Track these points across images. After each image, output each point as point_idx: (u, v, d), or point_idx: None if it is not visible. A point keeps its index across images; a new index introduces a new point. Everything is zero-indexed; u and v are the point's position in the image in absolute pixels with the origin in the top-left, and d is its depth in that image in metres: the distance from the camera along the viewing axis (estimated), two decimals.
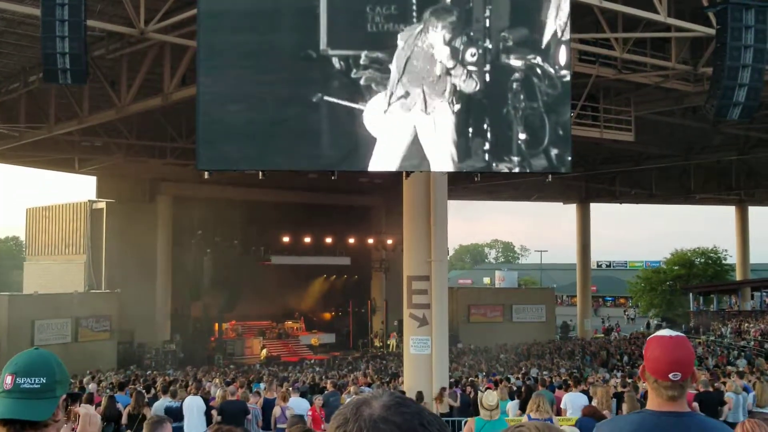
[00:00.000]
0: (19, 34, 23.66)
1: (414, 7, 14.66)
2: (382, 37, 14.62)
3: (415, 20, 14.67)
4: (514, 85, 15.13)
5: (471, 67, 14.93)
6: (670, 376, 2.92)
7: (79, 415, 2.57)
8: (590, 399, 13.17)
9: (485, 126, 15.08)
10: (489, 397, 8.95)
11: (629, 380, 19.36)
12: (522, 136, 15.15)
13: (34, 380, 2.36)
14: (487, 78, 15.05)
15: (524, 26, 15.28)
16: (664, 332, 3.07)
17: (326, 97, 14.55)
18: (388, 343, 44.64)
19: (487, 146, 15.06)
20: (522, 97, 15.15)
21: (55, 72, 15.33)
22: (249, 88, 14.70)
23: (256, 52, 14.69)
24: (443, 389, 17.44)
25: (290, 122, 14.55)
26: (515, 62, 15.15)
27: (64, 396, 2.45)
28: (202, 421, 13.13)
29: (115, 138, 33.39)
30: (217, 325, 42.18)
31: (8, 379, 2.36)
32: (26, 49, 24.86)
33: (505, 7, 15.19)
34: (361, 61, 14.53)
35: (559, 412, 13.20)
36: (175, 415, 13.11)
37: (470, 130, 15.02)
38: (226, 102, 14.64)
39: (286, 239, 42.90)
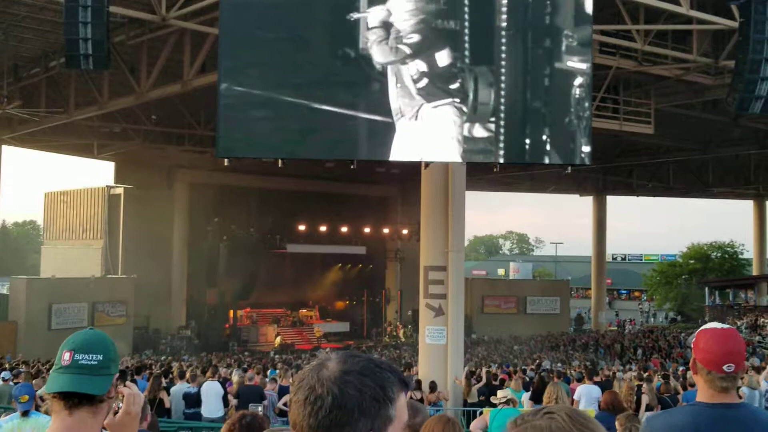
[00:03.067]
0: (40, 20, 23.76)
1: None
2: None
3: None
4: (546, 81, 15.15)
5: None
6: (725, 367, 2.93)
7: (123, 395, 2.63)
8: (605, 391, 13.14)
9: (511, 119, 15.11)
10: (501, 392, 9.02)
11: (644, 373, 19.37)
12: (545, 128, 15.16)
13: (92, 357, 2.43)
14: (520, 73, 15.09)
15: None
16: (715, 324, 3.08)
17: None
18: (394, 334, 44.78)
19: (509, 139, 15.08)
20: (547, 88, 15.17)
21: (77, 57, 15.41)
22: (269, 75, 14.73)
23: (280, 43, 14.70)
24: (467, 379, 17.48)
25: (314, 114, 14.57)
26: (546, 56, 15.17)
27: (117, 374, 2.52)
28: (220, 405, 13.24)
29: (133, 124, 33.55)
30: (232, 312, 42.39)
31: (66, 356, 2.43)
32: (47, 34, 24.98)
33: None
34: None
35: (571, 404, 13.21)
36: (194, 399, 13.24)
37: (496, 122, 15.04)
38: (247, 89, 14.67)
39: (301, 228, 43.00)
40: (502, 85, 15.08)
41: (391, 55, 14.56)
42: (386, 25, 14.57)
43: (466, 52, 14.85)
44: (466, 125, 14.85)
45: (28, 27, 24.59)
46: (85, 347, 2.45)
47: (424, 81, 14.60)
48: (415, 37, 14.64)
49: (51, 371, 2.51)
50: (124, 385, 2.59)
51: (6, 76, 27.76)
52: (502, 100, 15.05)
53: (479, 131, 14.98)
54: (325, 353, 1.83)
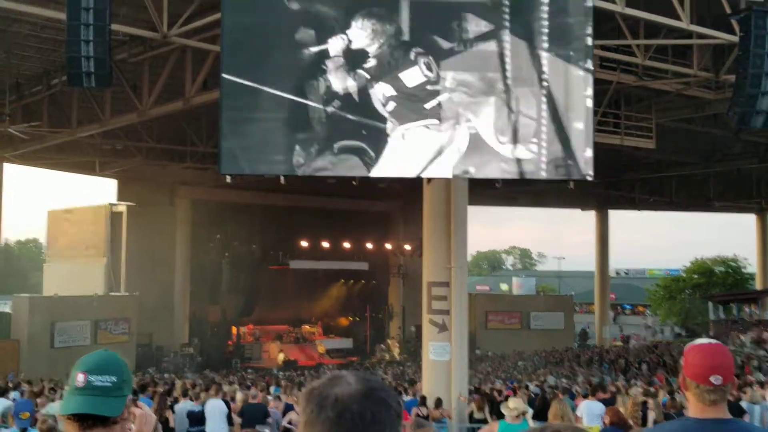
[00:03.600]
0: (42, 38, 23.87)
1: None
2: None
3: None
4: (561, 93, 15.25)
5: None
6: (711, 379, 2.93)
7: (135, 415, 2.62)
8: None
9: (515, 133, 15.14)
10: (512, 402, 8.94)
11: (651, 389, 19.26)
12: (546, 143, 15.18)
13: (106, 378, 2.43)
14: (524, 87, 15.15)
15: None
16: (703, 340, 3.13)
17: (351, 116, 14.60)
18: (384, 351, 44.47)
19: (515, 153, 15.11)
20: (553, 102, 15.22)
21: (79, 76, 15.44)
22: (274, 92, 14.75)
23: (283, 60, 14.75)
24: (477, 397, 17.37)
25: (315, 129, 14.59)
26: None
27: (131, 396, 2.53)
28: (224, 424, 13.17)
29: (135, 141, 33.60)
30: (234, 328, 42.33)
31: (80, 377, 2.43)
32: (49, 52, 25.08)
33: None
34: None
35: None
36: (198, 418, 13.17)
37: (502, 137, 15.08)
38: (250, 106, 14.70)
39: (304, 244, 43.00)
40: (515, 104, 15.10)
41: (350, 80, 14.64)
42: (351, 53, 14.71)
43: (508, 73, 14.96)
44: (474, 141, 14.88)
45: (29, 45, 24.69)
46: (99, 368, 2.45)
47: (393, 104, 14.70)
48: (376, 61, 14.74)
49: (65, 392, 2.51)
50: (136, 405, 2.59)
51: (8, 94, 27.83)
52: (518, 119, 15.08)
53: (485, 147, 15.01)
54: (332, 371, 1.84)
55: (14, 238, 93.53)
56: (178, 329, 40.26)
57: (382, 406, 1.72)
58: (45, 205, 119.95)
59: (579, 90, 15.67)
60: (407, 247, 44.34)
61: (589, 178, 16.23)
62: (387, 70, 14.72)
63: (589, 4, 15.63)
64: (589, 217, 53.39)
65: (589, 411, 12.76)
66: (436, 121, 14.87)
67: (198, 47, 21.59)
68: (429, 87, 14.87)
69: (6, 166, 34.22)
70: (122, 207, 41.31)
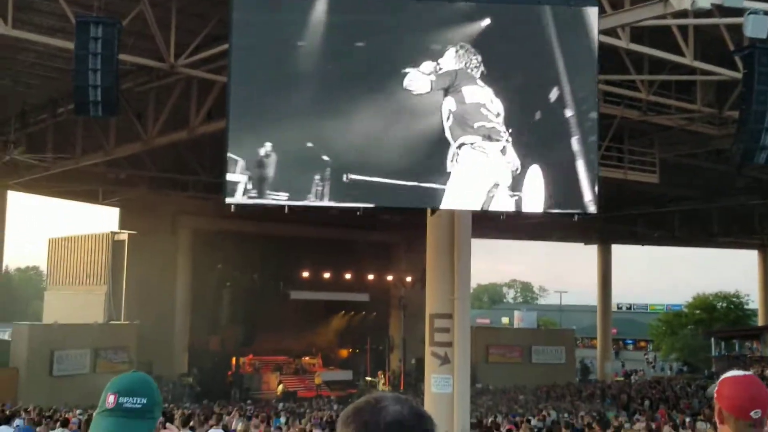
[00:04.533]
0: (48, 66, 24.04)
1: None
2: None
3: None
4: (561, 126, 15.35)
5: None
6: (752, 413, 2.91)
7: None
8: None
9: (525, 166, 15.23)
10: None
11: (653, 424, 19.11)
12: (552, 175, 15.24)
13: (137, 400, 2.42)
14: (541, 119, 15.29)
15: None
16: (736, 372, 3.10)
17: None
18: (374, 381, 44.11)
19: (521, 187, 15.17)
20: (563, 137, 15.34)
21: (86, 104, 15.50)
22: (279, 120, 14.81)
23: (291, 85, 14.82)
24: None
25: (324, 158, 14.65)
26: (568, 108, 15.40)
27: (161, 419, 2.47)
28: None
29: (138, 170, 33.68)
30: (234, 359, 42.08)
31: (111, 398, 2.41)
32: (54, 81, 25.24)
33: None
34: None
35: None
36: None
37: (512, 169, 15.16)
38: (255, 135, 14.74)
39: (305, 274, 42.88)
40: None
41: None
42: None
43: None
44: (484, 173, 14.97)
45: (35, 74, 24.87)
46: (130, 390, 2.43)
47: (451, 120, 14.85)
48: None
49: (95, 413, 2.49)
50: (165, 427, 2.57)
51: (14, 122, 27.96)
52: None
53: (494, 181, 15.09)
54: (373, 396, 1.83)
55: (14, 265, 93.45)
56: (178, 359, 40.03)
57: (431, 424, 1.78)
58: (46, 233, 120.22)
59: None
60: (408, 278, 44.19)
61: (593, 212, 16.21)
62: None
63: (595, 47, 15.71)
64: (592, 251, 53.32)
65: None
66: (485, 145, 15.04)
67: (204, 77, 21.72)
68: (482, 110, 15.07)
69: (9, 193, 34.29)
70: (124, 235, 41.31)
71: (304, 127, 14.85)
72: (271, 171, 14.48)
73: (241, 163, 14.39)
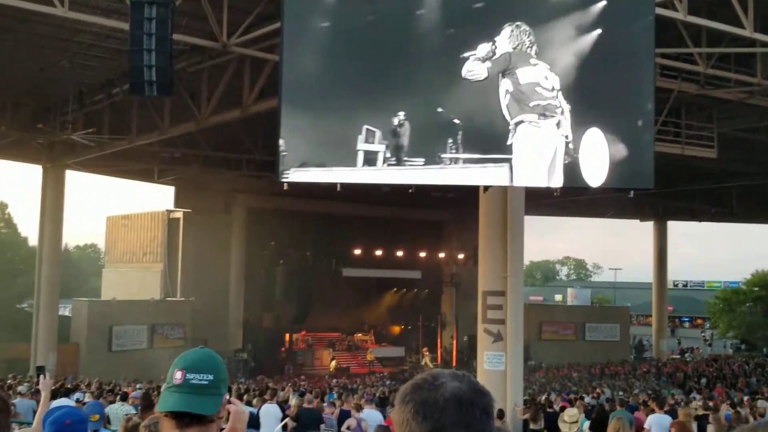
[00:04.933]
0: (104, 48, 24.31)
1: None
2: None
3: None
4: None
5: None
6: None
7: (229, 411, 2.63)
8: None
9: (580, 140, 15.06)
10: (570, 412, 8.81)
11: (710, 402, 18.82)
12: (610, 151, 15.03)
13: (203, 377, 2.45)
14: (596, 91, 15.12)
15: None
16: None
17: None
18: (423, 362, 44.06)
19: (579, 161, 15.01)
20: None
21: (141, 85, 15.67)
22: (332, 99, 14.83)
23: (344, 66, 14.85)
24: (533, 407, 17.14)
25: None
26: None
27: (227, 395, 2.54)
28: (279, 427, 13.22)
29: (193, 149, 34.06)
30: (287, 335, 42.60)
31: (178, 375, 2.45)
32: (110, 61, 25.55)
33: None
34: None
35: None
36: (253, 422, 13.24)
37: (568, 143, 15.01)
38: (307, 114, 14.80)
39: (357, 252, 43.10)
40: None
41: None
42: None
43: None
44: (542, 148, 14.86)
45: (92, 55, 25.18)
46: (197, 366, 2.47)
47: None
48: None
49: (162, 389, 2.55)
50: (230, 402, 2.59)
51: (71, 102, 28.44)
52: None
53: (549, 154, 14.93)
54: (430, 373, 1.82)
55: (73, 243, 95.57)
56: (232, 335, 40.66)
57: (490, 399, 1.80)
58: (104, 211, 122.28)
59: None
60: (460, 256, 44.12)
61: (650, 188, 15.95)
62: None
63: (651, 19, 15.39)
64: (647, 227, 52.51)
65: (658, 424, 12.53)
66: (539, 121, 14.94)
67: (256, 56, 21.79)
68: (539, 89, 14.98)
69: (67, 173, 34.99)
70: (179, 214, 41.96)
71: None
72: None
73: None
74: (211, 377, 2.45)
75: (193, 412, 2.41)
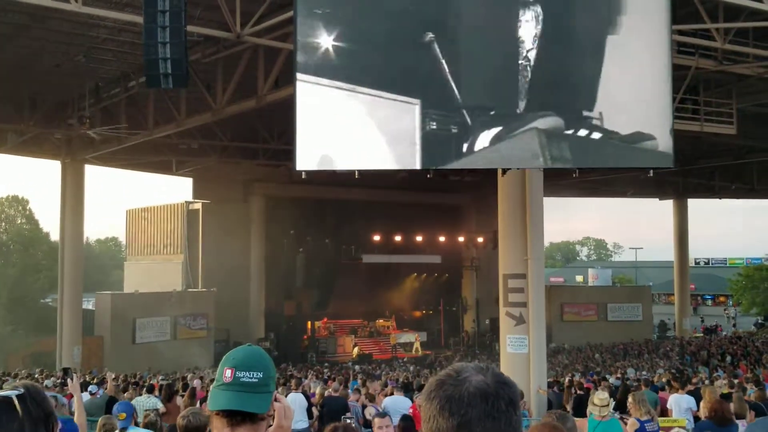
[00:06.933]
0: (119, 41, 24.42)
1: None
2: None
3: None
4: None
5: None
6: None
7: (274, 408, 2.63)
8: (698, 400, 12.72)
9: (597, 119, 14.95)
10: (601, 395, 8.79)
11: (735, 380, 18.70)
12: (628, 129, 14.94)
13: (253, 374, 2.44)
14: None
15: None
16: None
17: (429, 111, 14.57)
18: (414, 349, 43.75)
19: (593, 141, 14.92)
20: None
21: (157, 77, 15.73)
22: (347, 87, 14.81)
23: (358, 54, 14.81)
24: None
25: (390, 122, 14.61)
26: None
27: (275, 392, 2.55)
28: (304, 417, 13.28)
29: (209, 140, 34.17)
30: (309, 323, 42.76)
31: (228, 373, 2.44)
32: (126, 55, 25.66)
33: None
34: None
35: (663, 413, 12.82)
36: None
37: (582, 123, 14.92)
38: (324, 101, 14.77)
39: (376, 238, 43.11)
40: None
41: None
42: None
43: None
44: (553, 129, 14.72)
45: (107, 49, 25.28)
46: (247, 364, 2.46)
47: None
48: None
49: (212, 387, 2.54)
50: (275, 399, 2.58)
51: (88, 97, 28.58)
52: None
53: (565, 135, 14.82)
54: (454, 368, 1.82)
55: (94, 237, 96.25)
56: (254, 324, 40.88)
57: (515, 390, 1.81)
58: (124, 205, 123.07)
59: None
60: (480, 239, 44.03)
61: (670, 167, 15.82)
62: None
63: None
64: (667, 206, 52.19)
65: (678, 404, 12.47)
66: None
67: (270, 46, 21.77)
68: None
69: (87, 167, 35.21)
70: (198, 205, 42.13)
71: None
72: (340, 136, 14.56)
73: (309, 128, 14.50)
74: (261, 375, 2.45)
75: (245, 410, 2.41)
